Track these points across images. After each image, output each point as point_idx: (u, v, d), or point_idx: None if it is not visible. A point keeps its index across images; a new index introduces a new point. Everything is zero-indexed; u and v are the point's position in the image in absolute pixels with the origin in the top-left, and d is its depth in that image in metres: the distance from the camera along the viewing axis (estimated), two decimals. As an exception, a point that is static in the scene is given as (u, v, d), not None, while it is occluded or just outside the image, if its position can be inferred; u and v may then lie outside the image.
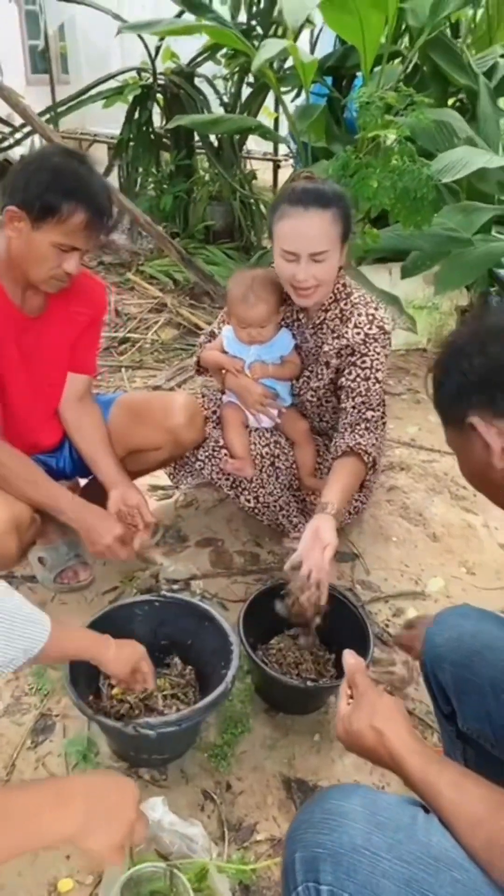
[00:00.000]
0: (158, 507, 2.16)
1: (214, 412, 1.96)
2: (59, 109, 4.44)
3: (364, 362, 1.74)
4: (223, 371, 1.92)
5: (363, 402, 1.75)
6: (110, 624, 1.44)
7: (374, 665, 1.64)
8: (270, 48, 2.61)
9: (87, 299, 1.71)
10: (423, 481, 2.36)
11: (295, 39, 3.31)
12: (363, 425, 1.74)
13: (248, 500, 1.96)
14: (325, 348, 1.79)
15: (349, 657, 0.99)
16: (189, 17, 3.90)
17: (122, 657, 1.26)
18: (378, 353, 1.75)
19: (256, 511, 1.98)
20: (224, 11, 4.19)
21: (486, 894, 0.70)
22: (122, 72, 4.60)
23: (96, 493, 1.74)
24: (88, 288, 1.70)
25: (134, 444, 1.78)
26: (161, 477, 2.17)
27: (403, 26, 3.36)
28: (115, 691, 1.37)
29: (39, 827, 0.79)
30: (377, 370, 1.75)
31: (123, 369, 3.03)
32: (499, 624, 1.12)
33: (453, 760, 1.09)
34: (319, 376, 1.83)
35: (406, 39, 3.58)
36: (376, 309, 1.77)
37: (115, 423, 1.77)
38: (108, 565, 1.90)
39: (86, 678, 1.33)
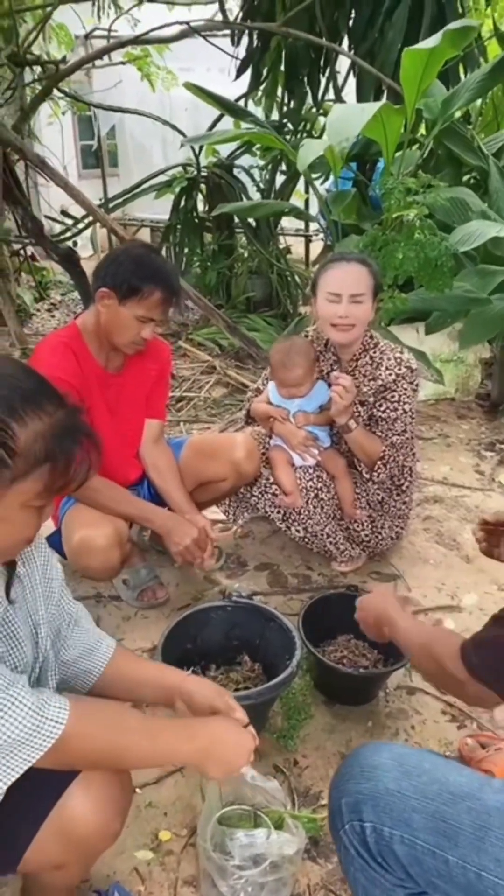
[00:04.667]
0: (219, 537, 2.44)
1: (263, 454, 2.27)
2: (116, 202, 5.02)
3: (393, 396, 2.08)
4: (271, 419, 2.24)
5: (389, 429, 2.09)
6: (189, 626, 1.72)
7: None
8: (311, 150, 3.06)
9: (156, 357, 2.06)
10: (455, 512, 2.62)
11: (321, 136, 3.77)
12: (389, 443, 2.10)
13: (298, 531, 2.23)
14: (364, 389, 2.11)
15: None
16: (228, 119, 4.50)
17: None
18: (406, 389, 2.08)
19: (306, 540, 2.25)
20: (258, 111, 4.77)
21: (495, 815, 0.86)
22: (169, 168, 5.19)
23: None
24: (156, 348, 2.05)
25: (204, 476, 2.11)
26: (220, 514, 2.46)
27: (420, 119, 3.81)
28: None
29: (174, 749, 1.05)
30: (404, 402, 2.08)
31: (182, 423, 3.39)
32: None
33: None
34: (355, 413, 2.14)
35: (422, 128, 4.05)
36: (402, 352, 2.13)
37: (188, 459, 2.10)
38: (181, 586, 2.19)
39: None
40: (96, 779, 1.03)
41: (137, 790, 1.50)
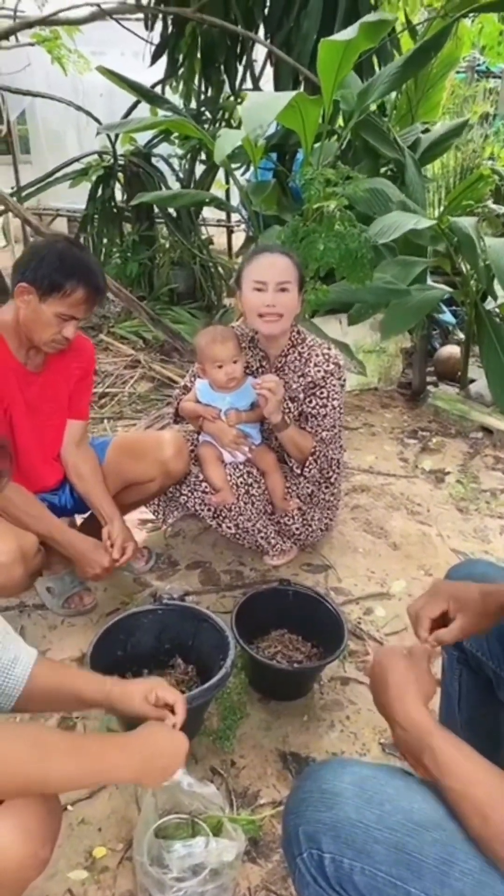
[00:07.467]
0: (149, 538, 2.39)
1: (192, 451, 2.22)
2: (29, 190, 4.81)
3: (322, 393, 2.08)
4: (201, 419, 2.19)
5: (319, 424, 2.10)
6: (119, 632, 1.67)
7: (349, 656, 1.89)
8: (228, 141, 3.00)
9: (79, 355, 1.97)
10: (381, 500, 2.66)
11: (239, 126, 3.70)
12: (318, 438, 2.11)
13: (230, 528, 2.20)
14: (294, 385, 2.11)
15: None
16: (144, 105, 4.38)
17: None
18: (334, 385, 2.09)
19: (237, 536, 2.23)
20: (175, 98, 4.67)
21: (460, 847, 0.84)
22: (85, 155, 5.02)
23: (94, 527, 1.99)
24: (79, 346, 1.96)
25: (131, 477, 2.04)
26: (149, 513, 2.40)
27: (337, 110, 3.83)
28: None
29: (104, 766, 1.01)
30: (333, 398, 2.09)
31: (105, 420, 3.29)
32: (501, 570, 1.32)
33: (451, 684, 1.33)
34: (286, 410, 2.13)
35: (340, 120, 4.07)
36: (329, 349, 2.13)
37: (113, 460, 2.03)
38: (110, 590, 2.12)
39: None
40: (20, 805, 0.97)
41: (69, 807, 1.44)
